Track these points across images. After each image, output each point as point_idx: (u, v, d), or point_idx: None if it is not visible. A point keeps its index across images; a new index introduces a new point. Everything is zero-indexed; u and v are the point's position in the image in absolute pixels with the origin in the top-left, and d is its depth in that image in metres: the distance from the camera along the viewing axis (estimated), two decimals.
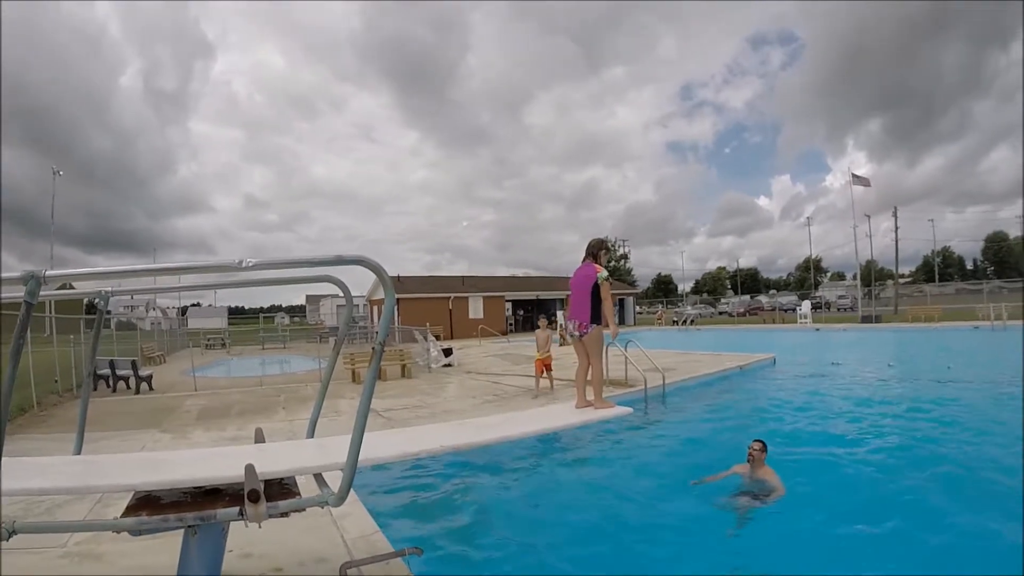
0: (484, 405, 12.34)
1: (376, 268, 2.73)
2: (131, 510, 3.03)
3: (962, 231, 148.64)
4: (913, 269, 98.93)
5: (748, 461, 6.68)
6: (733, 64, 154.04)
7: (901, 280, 71.15)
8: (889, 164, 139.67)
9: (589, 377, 6.03)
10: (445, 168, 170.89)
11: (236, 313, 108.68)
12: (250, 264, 2.56)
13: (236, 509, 2.95)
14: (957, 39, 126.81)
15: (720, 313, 72.24)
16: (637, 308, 64.26)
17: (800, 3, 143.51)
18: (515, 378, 16.11)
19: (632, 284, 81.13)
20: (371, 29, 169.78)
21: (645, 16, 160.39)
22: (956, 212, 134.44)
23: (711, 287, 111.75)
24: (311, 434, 4.62)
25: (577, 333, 6.08)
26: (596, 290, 5.87)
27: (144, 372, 17.21)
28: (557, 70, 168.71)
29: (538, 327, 14.47)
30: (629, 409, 5.99)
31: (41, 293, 2.52)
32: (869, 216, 55.19)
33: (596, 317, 5.91)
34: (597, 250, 6.16)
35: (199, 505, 3.06)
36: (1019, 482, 6.46)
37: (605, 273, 5.93)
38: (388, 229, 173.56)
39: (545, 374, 13.58)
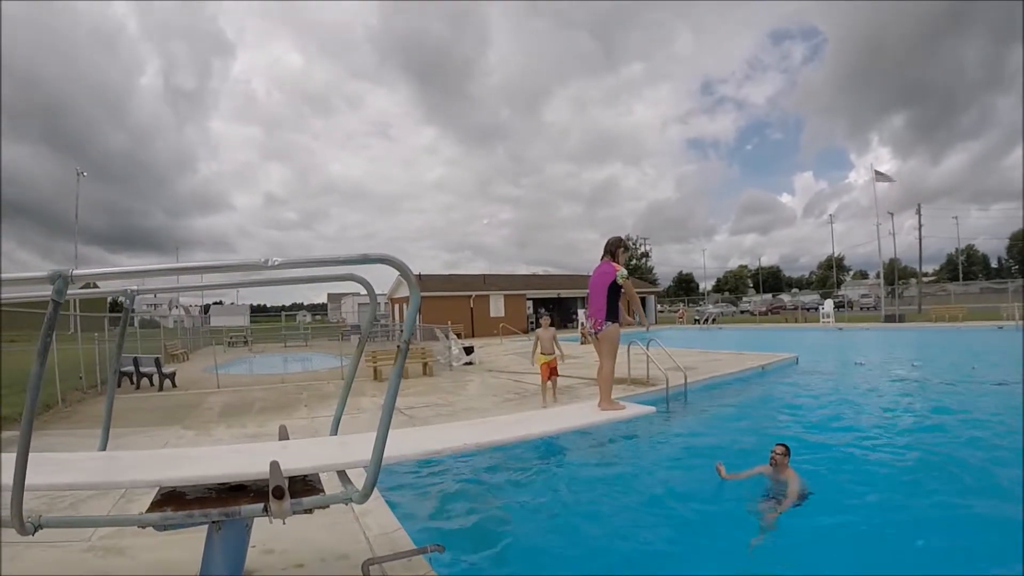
0: (505, 403, 12.33)
1: (401, 267, 2.73)
2: (156, 505, 3.05)
3: (987, 229, 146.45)
4: (937, 268, 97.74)
5: (771, 464, 6.63)
6: (754, 60, 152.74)
7: (925, 279, 70.40)
8: (914, 160, 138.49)
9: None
10: (462, 165, 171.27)
11: (258, 311, 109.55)
12: (276, 263, 2.57)
13: (260, 505, 2.96)
14: (980, 34, 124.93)
15: (742, 312, 71.66)
16: (658, 307, 64.10)
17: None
18: (536, 376, 16.03)
19: (653, 283, 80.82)
20: (388, 25, 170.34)
21: (659, 12, 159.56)
22: (982, 209, 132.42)
23: (732, 286, 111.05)
24: (335, 431, 4.63)
25: (593, 331, 6.08)
26: (612, 288, 5.86)
27: (167, 369, 17.38)
28: (574, 66, 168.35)
29: (539, 325, 12.51)
30: (651, 408, 5.97)
31: (67, 292, 2.54)
32: (892, 214, 54.53)
33: (612, 315, 5.90)
34: (615, 248, 6.14)
35: (223, 501, 3.07)
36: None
37: (624, 272, 5.91)
38: (405, 227, 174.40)
39: (551, 381, 11.97)
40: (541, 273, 61.69)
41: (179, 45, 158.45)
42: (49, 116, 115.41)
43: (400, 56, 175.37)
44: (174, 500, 3.09)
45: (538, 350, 11.97)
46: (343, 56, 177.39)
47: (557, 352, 12.05)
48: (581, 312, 42.05)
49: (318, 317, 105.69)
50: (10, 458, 2.50)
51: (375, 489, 3.09)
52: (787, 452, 6.62)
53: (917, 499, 6.53)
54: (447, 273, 52.45)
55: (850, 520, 5.93)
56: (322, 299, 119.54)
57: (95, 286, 4.61)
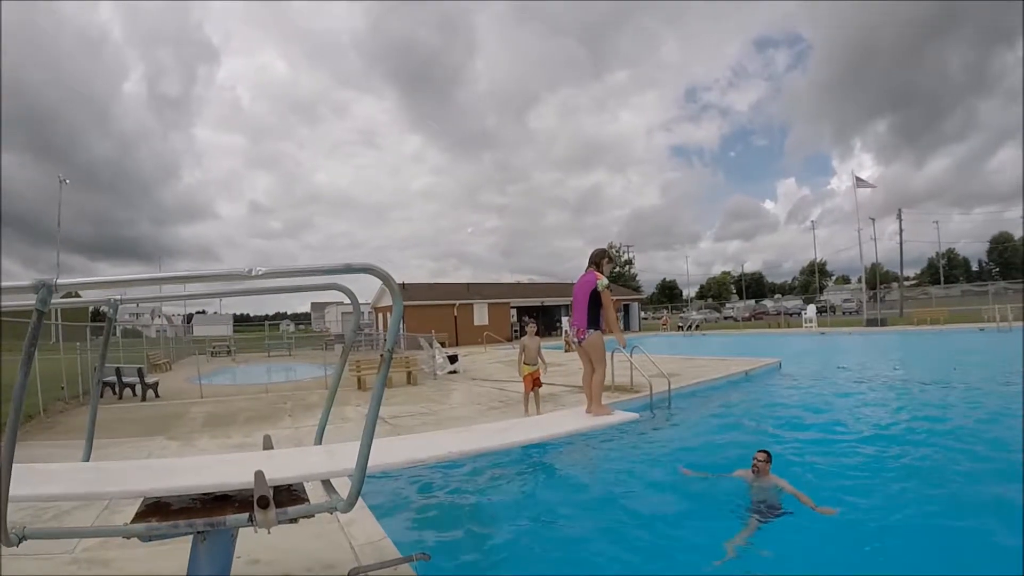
0: (490, 412, 12.35)
1: (384, 276, 2.75)
2: (141, 516, 3.04)
3: (968, 232, 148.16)
4: (918, 271, 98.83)
5: (753, 471, 6.67)
6: (738, 67, 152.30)
7: (906, 283, 71.02)
8: (897, 165, 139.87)
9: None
10: (449, 173, 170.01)
11: (241, 321, 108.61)
12: (260, 272, 2.58)
13: (246, 515, 2.96)
14: (963, 38, 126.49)
15: (725, 318, 72.11)
16: (642, 314, 64.24)
17: (805, 3, 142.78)
18: (520, 385, 16.07)
19: (637, 290, 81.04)
20: (375, 32, 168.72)
21: (648, 18, 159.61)
22: (963, 213, 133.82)
23: (716, 292, 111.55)
24: (319, 441, 4.63)
25: (576, 340, 6.14)
26: (595, 297, 5.91)
27: (150, 379, 17.25)
28: (562, 73, 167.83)
29: (525, 332, 12.06)
30: (635, 415, 6.00)
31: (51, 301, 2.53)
32: (874, 219, 55.43)
33: (594, 323, 5.95)
34: (600, 259, 6.20)
35: (209, 511, 3.07)
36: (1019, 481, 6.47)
37: (605, 281, 5.96)
38: (392, 236, 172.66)
39: (533, 393, 11.58)
40: (526, 282, 61.78)
41: (164, 51, 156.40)
42: (32, 123, 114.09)
43: (387, 63, 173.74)
44: (159, 511, 3.08)
45: (523, 359, 11.58)
46: (329, 63, 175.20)
47: (540, 363, 11.63)
48: (565, 320, 42.15)
49: (302, 326, 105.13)
50: None
51: (360, 498, 3.10)
52: (769, 459, 6.67)
53: (903, 501, 6.59)
54: (432, 282, 52.51)
55: (836, 523, 5.98)
56: (306, 308, 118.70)
57: (77, 295, 4.59)
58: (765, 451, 6.78)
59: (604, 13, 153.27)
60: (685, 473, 7.16)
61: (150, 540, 3.04)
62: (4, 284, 2.61)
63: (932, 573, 4.92)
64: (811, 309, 46.04)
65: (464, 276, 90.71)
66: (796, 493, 6.36)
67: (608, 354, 6.67)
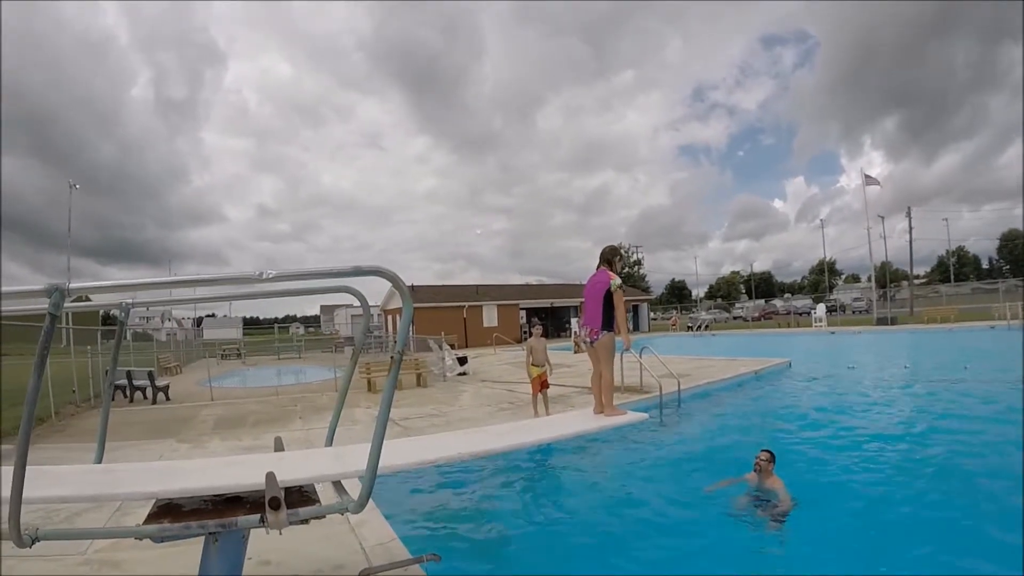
0: (499, 413, 12.34)
1: (394, 278, 2.76)
2: (153, 518, 3.06)
3: (977, 230, 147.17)
4: (928, 270, 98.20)
5: (755, 470, 6.63)
6: (745, 65, 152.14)
7: (916, 281, 70.58)
8: (906, 162, 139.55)
9: None
10: (454, 175, 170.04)
11: (251, 324, 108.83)
12: (270, 276, 2.59)
13: (257, 516, 2.97)
14: (969, 34, 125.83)
15: (735, 318, 71.88)
16: (651, 314, 64.09)
17: (810, 2, 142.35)
18: (530, 386, 16.08)
19: (646, 290, 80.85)
20: (379, 35, 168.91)
21: (652, 17, 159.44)
22: (972, 210, 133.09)
23: (725, 292, 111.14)
24: (329, 442, 4.64)
25: (589, 340, 6.09)
26: (608, 297, 5.87)
27: (160, 382, 17.32)
28: (566, 73, 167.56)
29: (531, 334, 11.92)
30: (645, 415, 6.00)
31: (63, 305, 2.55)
32: (883, 217, 55.07)
33: (608, 324, 5.91)
34: (612, 257, 6.16)
35: (220, 513, 3.08)
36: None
37: (618, 281, 5.92)
38: (397, 238, 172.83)
39: (541, 395, 11.47)
40: (534, 283, 61.67)
41: (170, 55, 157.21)
42: (37, 127, 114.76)
43: (391, 65, 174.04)
44: (171, 512, 3.10)
45: (531, 360, 11.48)
46: (333, 66, 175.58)
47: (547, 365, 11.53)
48: (574, 321, 42.05)
49: (311, 329, 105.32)
50: (8, 470, 2.51)
51: (370, 499, 3.11)
52: (772, 459, 6.60)
53: (911, 501, 6.56)
54: (440, 284, 52.49)
55: (843, 524, 5.96)
56: (315, 311, 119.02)
57: (88, 299, 4.60)
58: (768, 450, 6.72)
59: (608, 12, 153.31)
60: (710, 490, 7.11)
61: (162, 541, 3.06)
62: (18, 288, 2.64)
63: (936, 573, 4.91)
64: (821, 308, 45.88)
65: (470, 278, 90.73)
66: (783, 500, 6.30)
67: (617, 354, 6.65)
